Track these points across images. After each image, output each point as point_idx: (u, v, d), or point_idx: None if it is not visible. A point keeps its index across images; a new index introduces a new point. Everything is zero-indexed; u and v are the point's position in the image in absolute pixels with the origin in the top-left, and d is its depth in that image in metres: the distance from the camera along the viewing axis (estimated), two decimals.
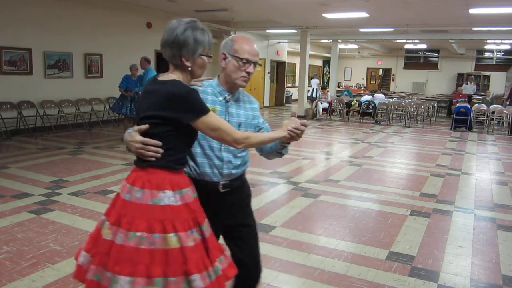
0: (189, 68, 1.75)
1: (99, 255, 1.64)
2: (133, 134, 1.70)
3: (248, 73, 1.92)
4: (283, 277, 3.06)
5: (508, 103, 13.58)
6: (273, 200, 4.91)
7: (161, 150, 1.67)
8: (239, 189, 2.03)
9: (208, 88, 1.96)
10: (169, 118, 1.64)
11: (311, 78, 15.13)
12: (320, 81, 17.28)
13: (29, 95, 8.96)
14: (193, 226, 1.67)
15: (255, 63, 1.94)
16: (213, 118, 1.70)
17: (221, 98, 1.95)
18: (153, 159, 1.67)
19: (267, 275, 3.08)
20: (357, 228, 4.11)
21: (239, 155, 1.97)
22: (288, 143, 1.96)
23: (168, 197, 1.64)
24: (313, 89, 14.11)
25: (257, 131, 2.03)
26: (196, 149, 1.91)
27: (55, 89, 9.50)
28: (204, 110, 1.67)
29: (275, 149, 2.00)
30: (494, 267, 3.35)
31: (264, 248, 3.53)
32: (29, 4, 8.78)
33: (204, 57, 1.77)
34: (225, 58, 1.93)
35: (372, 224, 4.24)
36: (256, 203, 4.72)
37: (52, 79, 9.43)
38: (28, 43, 8.85)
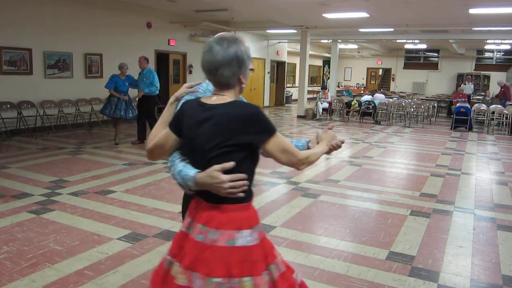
0: (243, 85, 1.64)
1: None
2: (215, 175, 1.48)
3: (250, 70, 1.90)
4: None
5: (499, 101, 13.77)
6: (273, 200, 4.91)
7: (247, 183, 1.54)
8: None
9: (205, 94, 1.87)
10: (242, 144, 1.50)
11: (328, 78, 16.22)
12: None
13: (29, 95, 8.96)
14: (265, 268, 1.53)
15: None
16: (281, 137, 1.59)
17: None
18: (242, 194, 1.52)
19: None
20: (357, 228, 4.11)
21: None
22: None
23: (244, 237, 1.51)
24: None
25: None
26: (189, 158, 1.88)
27: (55, 89, 9.51)
28: (274, 129, 1.55)
29: None
30: (494, 267, 3.35)
31: None
32: (29, 4, 8.78)
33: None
34: None
35: (372, 224, 4.24)
36: (256, 203, 4.70)
37: (52, 79, 9.44)
38: (28, 43, 8.85)
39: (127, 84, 7.76)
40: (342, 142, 1.82)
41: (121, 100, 7.63)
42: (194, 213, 1.58)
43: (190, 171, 1.53)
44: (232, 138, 1.49)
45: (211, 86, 1.73)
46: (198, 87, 1.81)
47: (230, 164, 1.48)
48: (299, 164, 1.62)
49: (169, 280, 1.56)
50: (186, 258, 1.53)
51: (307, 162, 1.65)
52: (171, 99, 1.75)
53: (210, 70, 1.57)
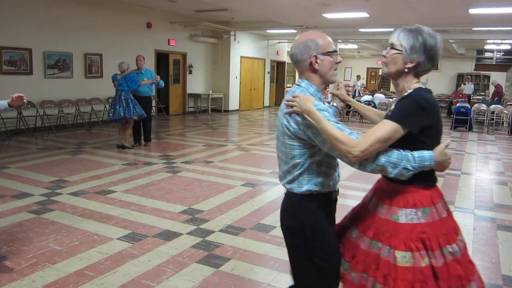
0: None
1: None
2: (447, 152, 1.67)
3: (338, 63, 1.84)
4: (283, 277, 3.05)
5: (493, 100, 14.02)
6: (273, 200, 4.90)
7: None
8: None
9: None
10: None
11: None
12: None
13: (29, 95, 8.88)
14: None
15: None
16: None
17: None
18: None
19: (267, 275, 3.08)
20: None
21: None
22: None
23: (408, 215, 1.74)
24: (356, 90, 15.94)
25: None
26: (334, 160, 1.84)
27: (55, 89, 9.51)
28: None
29: None
30: (494, 267, 3.35)
31: (264, 248, 3.53)
32: (29, 4, 8.79)
33: None
34: (316, 61, 1.78)
35: None
36: (256, 203, 4.73)
37: (52, 79, 9.44)
38: (28, 43, 8.85)
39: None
40: None
41: (133, 100, 7.42)
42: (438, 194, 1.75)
43: (425, 153, 1.63)
44: None
45: (313, 90, 1.81)
46: (306, 93, 1.80)
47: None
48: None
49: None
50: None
51: None
52: (312, 107, 1.67)
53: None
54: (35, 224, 3.89)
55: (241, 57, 15.26)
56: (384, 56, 1.78)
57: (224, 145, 8.41)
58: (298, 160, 1.77)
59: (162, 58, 12.85)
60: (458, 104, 12.78)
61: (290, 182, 1.82)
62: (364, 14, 10.18)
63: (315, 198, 1.80)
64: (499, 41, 16.31)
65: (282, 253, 3.45)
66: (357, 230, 1.84)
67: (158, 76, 7.90)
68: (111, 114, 7.41)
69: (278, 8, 10.06)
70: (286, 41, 17.75)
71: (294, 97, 1.74)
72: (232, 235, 3.78)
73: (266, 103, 17.71)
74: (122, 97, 7.34)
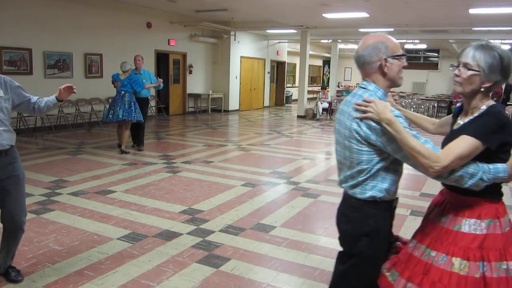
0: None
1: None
2: None
3: (403, 67, 1.81)
4: (283, 277, 3.06)
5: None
6: (273, 200, 4.91)
7: None
8: None
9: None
10: None
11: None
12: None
13: None
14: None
15: None
16: None
17: None
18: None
19: (267, 275, 3.08)
20: None
21: None
22: None
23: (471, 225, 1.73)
24: None
25: None
26: (400, 167, 1.82)
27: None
28: None
29: None
30: None
31: (264, 248, 3.53)
32: (29, 4, 8.79)
33: None
34: (386, 64, 1.75)
35: None
36: (256, 203, 4.72)
37: (52, 79, 9.44)
38: (28, 43, 8.85)
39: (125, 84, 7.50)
40: None
41: (135, 103, 7.25)
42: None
43: (499, 165, 1.64)
44: None
45: (380, 94, 1.77)
46: (376, 97, 1.76)
47: None
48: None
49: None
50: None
51: None
52: (392, 116, 1.64)
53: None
54: (35, 224, 3.89)
55: (241, 57, 15.27)
56: (456, 75, 1.74)
57: (224, 145, 8.41)
58: (365, 166, 1.73)
59: (162, 58, 12.85)
60: (458, 104, 12.73)
61: (353, 187, 1.79)
62: (364, 14, 10.18)
63: (377, 205, 1.78)
64: (499, 41, 16.32)
65: (282, 253, 3.46)
66: (414, 240, 1.86)
67: (161, 80, 7.81)
68: (110, 116, 7.18)
69: (278, 8, 10.06)
70: (286, 41, 17.76)
71: (365, 101, 1.69)
72: (232, 235, 3.78)
73: (266, 103, 17.72)
74: (126, 99, 7.15)
